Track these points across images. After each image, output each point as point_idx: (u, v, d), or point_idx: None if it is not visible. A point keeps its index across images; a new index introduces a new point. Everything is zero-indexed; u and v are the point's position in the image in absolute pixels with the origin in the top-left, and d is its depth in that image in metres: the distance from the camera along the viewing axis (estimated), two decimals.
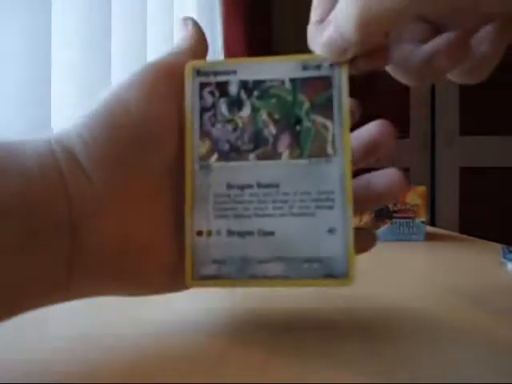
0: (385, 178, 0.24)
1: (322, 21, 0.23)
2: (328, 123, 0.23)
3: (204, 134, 0.23)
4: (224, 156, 0.23)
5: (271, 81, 0.23)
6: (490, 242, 0.60)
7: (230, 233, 0.23)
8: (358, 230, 0.23)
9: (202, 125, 0.23)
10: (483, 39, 0.24)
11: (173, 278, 0.23)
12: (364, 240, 0.24)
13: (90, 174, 0.20)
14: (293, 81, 0.23)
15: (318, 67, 0.23)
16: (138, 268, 0.22)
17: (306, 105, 0.23)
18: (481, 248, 0.58)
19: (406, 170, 1.95)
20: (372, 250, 0.26)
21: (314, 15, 0.24)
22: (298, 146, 0.23)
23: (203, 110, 0.24)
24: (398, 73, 0.25)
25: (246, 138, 0.23)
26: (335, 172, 0.22)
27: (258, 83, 0.23)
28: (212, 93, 0.24)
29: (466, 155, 1.96)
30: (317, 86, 0.23)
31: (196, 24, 0.26)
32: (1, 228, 0.18)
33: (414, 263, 0.48)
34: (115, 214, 0.21)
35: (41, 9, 0.49)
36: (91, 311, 0.28)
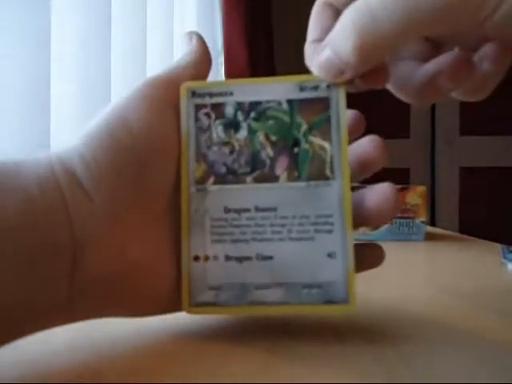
0: (376, 196, 0.22)
1: (319, 40, 0.23)
2: (326, 145, 0.22)
3: (200, 156, 0.23)
4: (221, 179, 0.23)
5: (268, 102, 0.23)
6: (490, 242, 0.60)
7: (228, 258, 0.22)
8: (365, 245, 0.23)
9: (197, 147, 0.23)
10: (486, 55, 0.23)
11: (173, 301, 0.23)
12: (372, 256, 0.23)
13: (91, 195, 0.20)
14: (290, 102, 0.23)
15: (316, 88, 0.23)
16: (138, 291, 0.22)
17: (304, 126, 0.23)
18: (481, 248, 0.58)
19: (405, 170, 1.95)
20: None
21: (311, 34, 0.24)
22: (296, 169, 0.23)
23: (199, 132, 0.23)
24: (399, 91, 0.25)
25: (242, 161, 0.23)
26: (334, 195, 0.22)
27: (254, 104, 0.23)
28: (208, 115, 0.23)
29: (465, 155, 1.96)
30: (314, 107, 0.23)
31: (200, 38, 0.26)
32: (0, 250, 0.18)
33: (414, 263, 0.48)
34: (116, 236, 0.21)
35: (40, 10, 0.49)
36: None
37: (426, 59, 0.24)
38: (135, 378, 0.19)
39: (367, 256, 0.23)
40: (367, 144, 0.23)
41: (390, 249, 0.26)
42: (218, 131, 0.23)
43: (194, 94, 0.23)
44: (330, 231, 0.22)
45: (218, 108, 0.23)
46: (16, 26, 0.46)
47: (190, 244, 0.23)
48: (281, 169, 0.23)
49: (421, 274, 0.42)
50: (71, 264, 0.19)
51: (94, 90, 0.57)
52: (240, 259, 0.22)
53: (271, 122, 0.23)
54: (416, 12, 0.18)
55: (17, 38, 0.46)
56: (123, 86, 0.64)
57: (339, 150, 0.22)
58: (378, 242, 0.24)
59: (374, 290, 0.33)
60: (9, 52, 0.46)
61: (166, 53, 0.82)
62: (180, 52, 0.25)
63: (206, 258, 0.22)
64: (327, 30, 0.23)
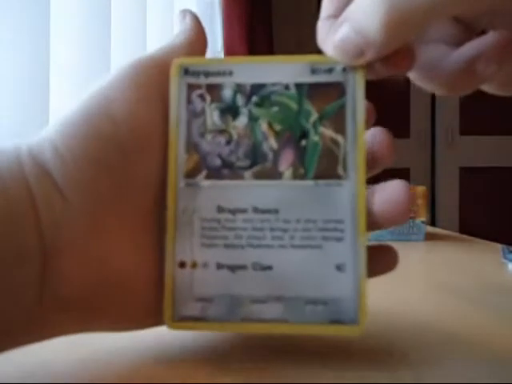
0: (387, 197, 0.19)
1: (335, 16, 0.20)
2: (339, 138, 0.19)
3: (191, 146, 0.20)
4: (214, 173, 0.20)
5: (273, 85, 0.20)
6: (490, 242, 0.60)
7: (219, 266, 0.19)
8: (378, 248, 0.20)
9: (188, 135, 0.20)
10: None
11: (157, 313, 0.19)
12: (384, 260, 0.20)
13: (65, 193, 0.17)
14: (299, 86, 0.20)
15: (329, 71, 0.19)
16: (121, 303, 0.19)
17: (314, 115, 0.19)
18: (481, 248, 0.58)
19: (405, 170, 1.95)
20: None
21: (326, 9, 0.21)
22: (303, 165, 0.19)
23: (191, 116, 0.20)
24: (425, 79, 0.21)
25: (241, 153, 0.20)
26: (346, 197, 0.19)
27: (257, 87, 0.20)
28: (202, 97, 0.20)
29: (465, 155, 1.96)
30: (327, 94, 0.19)
31: (195, 16, 0.23)
32: None
33: (413, 263, 0.48)
34: (95, 241, 0.18)
35: (39, 10, 0.49)
36: None
37: (457, 43, 0.21)
38: (135, 378, 0.18)
39: (379, 260, 0.20)
40: (376, 136, 0.20)
41: None
42: (213, 117, 0.20)
43: (186, 71, 0.20)
44: (339, 239, 0.19)
45: (214, 89, 0.20)
46: (15, 24, 0.46)
47: (176, 248, 0.19)
48: (285, 164, 0.19)
49: (421, 274, 0.42)
50: (40, 273, 0.17)
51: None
52: (233, 268, 0.19)
53: (276, 108, 0.20)
54: None
55: (16, 38, 0.46)
56: None
57: (354, 144, 0.19)
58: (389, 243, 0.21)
59: (374, 290, 0.33)
60: (8, 53, 0.46)
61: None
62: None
63: (194, 265, 0.19)
64: (345, 4, 0.20)
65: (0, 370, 0.19)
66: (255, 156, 0.20)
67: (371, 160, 0.20)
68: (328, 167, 0.19)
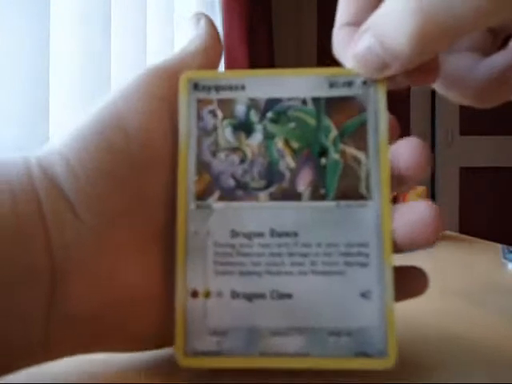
0: (414, 218, 0.18)
1: (353, 23, 0.19)
2: (361, 156, 0.18)
3: (202, 165, 0.19)
4: (227, 195, 0.18)
5: (289, 100, 0.19)
6: (490, 242, 0.60)
7: (235, 295, 0.18)
8: (406, 270, 0.19)
9: (199, 154, 0.19)
10: None
11: (166, 333, 0.18)
12: (413, 283, 0.19)
13: (76, 209, 0.17)
14: (317, 100, 0.19)
15: (349, 84, 0.18)
16: (127, 322, 0.18)
17: (334, 132, 0.18)
18: (481, 248, 0.58)
19: None
20: None
21: (343, 15, 0.19)
22: (323, 185, 0.18)
23: (202, 134, 0.19)
24: (452, 90, 0.20)
25: (255, 173, 0.18)
26: (370, 219, 0.18)
27: (272, 102, 0.19)
28: (213, 113, 0.19)
29: (465, 155, 1.96)
30: (347, 109, 0.18)
31: (210, 20, 0.21)
32: None
33: (413, 263, 0.48)
34: (106, 260, 0.17)
35: (39, 16, 0.49)
36: None
37: (482, 49, 0.20)
38: (135, 378, 0.18)
39: (407, 283, 0.19)
40: (405, 149, 0.18)
41: None
42: (225, 134, 0.19)
43: (196, 86, 0.19)
44: (364, 264, 0.18)
45: (226, 105, 0.19)
46: (15, 27, 0.46)
47: (187, 275, 0.18)
48: (304, 184, 0.18)
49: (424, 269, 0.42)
50: (49, 293, 0.16)
51: (93, 92, 0.57)
52: (250, 297, 0.18)
53: (293, 124, 0.19)
54: None
55: (16, 39, 0.46)
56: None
57: (377, 162, 0.18)
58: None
59: None
60: (8, 54, 0.46)
61: (167, 54, 0.82)
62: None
63: (207, 294, 0.18)
64: (366, 10, 0.18)
65: None
66: (271, 176, 0.18)
67: (397, 177, 0.18)
68: (350, 187, 0.18)
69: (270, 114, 0.19)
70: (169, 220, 0.19)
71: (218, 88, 0.19)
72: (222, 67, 1.13)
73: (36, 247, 0.16)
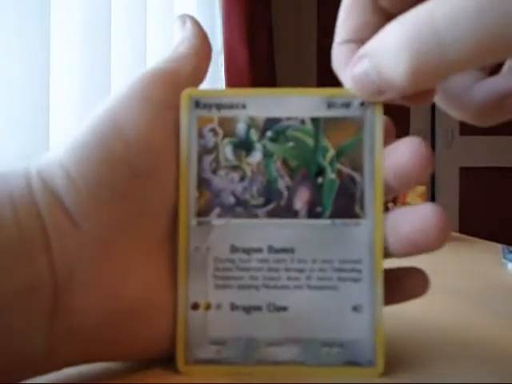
0: (418, 223, 0.18)
1: (352, 41, 0.19)
2: (356, 176, 0.19)
3: (203, 182, 0.19)
4: (227, 211, 0.19)
5: (288, 119, 0.19)
6: (490, 242, 0.60)
7: (234, 307, 0.19)
8: (406, 271, 0.19)
9: (200, 171, 0.19)
10: None
11: (169, 341, 0.19)
12: (413, 284, 0.19)
13: (77, 221, 0.17)
14: (315, 120, 0.19)
15: (347, 105, 0.19)
16: (130, 332, 0.18)
17: (331, 152, 0.19)
18: (481, 248, 0.58)
19: None
20: None
21: (342, 33, 0.20)
22: (319, 203, 0.19)
23: (202, 152, 0.19)
24: (452, 108, 0.20)
25: (255, 190, 0.19)
26: (364, 237, 0.19)
27: (271, 121, 0.19)
28: (214, 131, 0.19)
29: (466, 155, 1.96)
30: (344, 129, 0.19)
31: (195, 21, 0.21)
32: None
33: (413, 263, 0.48)
34: (106, 270, 0.17)
35: (39, 12, 0.49)
36: None
37: (486, 69, 0.20)
38: (134, 377, 0.18)
39: (407, 284, 0.19)
40: (405, 150, 0.18)
41: None
42: (226, 152, 0.19)
43: (197, 104, 0.19)
44: (356, 280, 0.18)
45: (227, 123, 0.19)
46: (15, 27, 0.46)
47: (188, 289, 0.19)
48: (301, 202, 0.19)
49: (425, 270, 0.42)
50: (51, 305, 0.16)
51: (93, 94, 0.57)
52: (248, 309, 0.19)
53: (291, 144, 0.19)
54: (504, 36, 0.14)
55: (16, 40, 0.46)
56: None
57: (372, 182, 0.19)
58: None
59: None
60: (8, 54, 0.46)
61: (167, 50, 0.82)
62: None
63: (208, 307, 0.19)
64: (362, 27, 0.19)
65: None
66: (270, 193, 0.19)
67: (401, 177, 0.18)
68: (345, 206, 0.19)
69: (269, 133, 0.19)
70: (172, 229, 0.19)
71: (218, 106, 0.19)
72: (221, 67, 1.13)
73: (38, 260, 0.16)
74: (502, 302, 0.31)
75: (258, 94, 0.19)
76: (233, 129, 0.19)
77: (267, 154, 0.19)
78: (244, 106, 0.19)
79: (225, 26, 1.14)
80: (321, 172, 0.19)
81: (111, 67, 0.61)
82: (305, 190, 0.19)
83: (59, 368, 0.17)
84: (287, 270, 0.19)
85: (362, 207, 0.19)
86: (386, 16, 0.19)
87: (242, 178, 0.19)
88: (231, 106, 0.19)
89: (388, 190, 0.19)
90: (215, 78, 1.09)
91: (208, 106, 0.19)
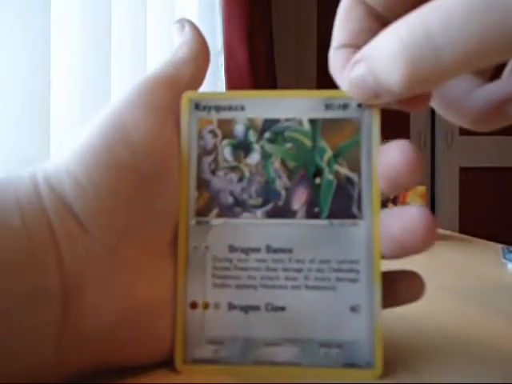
0: (407, 224, 0.18)
1: (349, 45, 0.19)
2: (354, 177, 0.19)
3: (202, 183, 0.19)
4: (226, 211, 0.19)
5: (286, 120, 0.19)
6: (490, 242, 0.60)
7: (231, 306, 0.19)
8: (401, 274, 0.19)
9: (199, 172, 0.19)
10: None
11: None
12: (409, 287, 0.19)
13: (86, 227, 0.17)
14: (313, 122, 0.19)
15: (344, 107, 0.19)
16: (140, 336, 0.18)
17: (329, 153, 0.19)
18: (481, 248, 0.58)
19: None
20: None
21: (339, 37, 0.20)
22: (317, 204, 0.19)
23: (202, 153, 0.19)
24: (448, 112, 0.20)
25: (253, 191, 0.19)
26: (361, 237, 0.19)
27: (270, 123, 0.19)
28: (213, 132, 0.20)
29: (466, 155, 1.96)
30: (342, 130, 0.19)
31: (194, 26, 0.22)
32: None
33: (413, 263, 0.48)
34: (116, 275, 0.17)
35: (40, 13, 0.49)
36: None
37: (485, 73, 0.20)
38: (134, 377, 0.18)
39: (402, 288, 0.19)
40: (396, 153, 0.18)
41: None
42: (224, 153, 0.19)
43: (197, 106, 0.20)
44: (354, 280, 0.18)
45: (226, 125, 0.20)
46: (17, 27, 0.46)
47: (187, 288, 0.19)
48: (298, 203, 0.19)
49: (421, 274, 0.42)
50: (61, 311, 0.16)
51: (94, 96, 0.57)
52: (246, 309, 0.19)
53: (289, 144, 0.19)
54: (496, 38, 0.14)
55: (16, 40, 0.46)
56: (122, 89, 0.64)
57: (369, 183, 0.19)
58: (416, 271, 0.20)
59: None
60: (8, 55, 0.46)
61: (167, 55, 0.82)
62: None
63: (206, 306, 0.19)
64: (358, 32, 0.19)
65: None
66: (268, 194, 0.19)
67: (392, 180, 0.18)
68: (342, 206, 0.19)
69: (267, 134, 0.19)
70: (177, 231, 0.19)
71: (218, 108, 0.20)
72: (221, 67, 1.13)
73: (48, 266, 0.16)
74: (501, 302, 0.31)
75: (257, 96, 0.20)
76: (231, 130, 0.20)
77: (265, 155, 0.19)
78: (242, 108, 0.20)
79: (225, 26, 1.14)
80: (318, 173, 0.19)
81: (111, 68, 0.61)
82: (303, 191, 0.19)
83: (70, 373, 0.17)
84: (285, 269, 0.19)
85: (359, 208, 0.19)
86: (382, 22, 0.19)
87: (241, 179, 0.19)
88: (230, 108, 0.20)
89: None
90: (215, 78, 1.09)
91: (207, 108, 0.20)
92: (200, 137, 0.20)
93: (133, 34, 0.69)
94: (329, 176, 0.19)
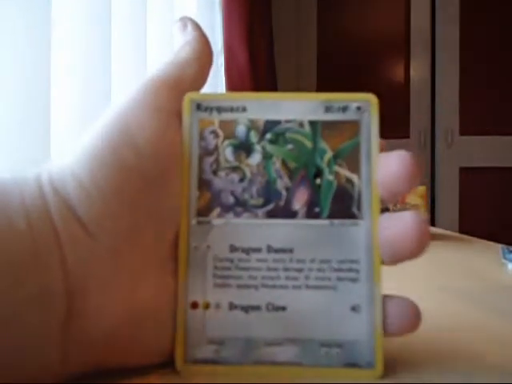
0: (404, 229, 0.18)
1: None
2: (354, 177, 0.19)
3: (203, 183, 0.19)
4: (227, 211, 0.19)
5: (287, 122, 0.20)
6: (490, 242, 0.60)
7: (232, 306, 0.19)
8: (394, 300, 0.19)
9: (201, 172, 0.19)
10: None
11: None
12: (403, 315, 0.18)
13: (90, 229, 0.17)
14: (313, 123, 0.19)
15: (344, 109, 0.19)
16: (143, 338, 0.18)
17: (329, 154, 0.19)
18: (481, 248, 0.58)
19: None
20: None
21: None
22: (318, 204, 0.19)
23: (203, 153, 0.20)
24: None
25: (254, 191, 0.19)
26: (361, 237, 0.19)
27: (271, 124, 0.20)
28: (215, 133, 0.20)
29: (465, 155, 1.96)
30: (342, 132, 0.19)
31: (197, 25, 0.21)
32: None
33: (413, 263, 0.48)
34: (119, 277, 0.17)
35: (40, 12, 0.49)
36: None
37: None
38: (134, 377, 0.18)
39: (396, 313, 0.18)
40: (395, 164, 0.18)
41: None
42: (226, 154, 0.20)
43: (199, 107, 0.20)
44: (354, 280, 0.19)
45: (227, 126, 0.20)
46: (17, 27, 0.46)
47: (188, 288, 0.19)
48: (299, 203, 0.19)
49: (421, 274, 0.42)
50: (65, 312, 0.16)
51: (94, 96, 0.57)
52: (247, 309, 0.19)
53: (290, 146, 0.19)
54: None
55: (16, 40, 0.46)
56: (123, 90, 0.64)
57: (369, 184, 0.19)
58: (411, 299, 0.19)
59: None
60: (8, 56, 0.46)
61: (167, 55, 0.82)
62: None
63: (206, 306, 0.19)
64: None
65: None
66: (269, 194, 0.19)
67: (390, 189, 0.19)
68: (343, 206, 0.19)
69: (268, 135, 0.20)
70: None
71: (219, 109, 0.20)
72: (221, 67, 1.13)
73: (52, 268, 0.16)
74: (501, 302, 0.31)
75: (258, 97, 0.20)
76: (233, 131, 0.20)
77: (266, 156, 0.20)
78: (244, 109, 0.20)
79: (225, 26, 1.14)
80: (319, 173, 0.19)
81: (111, 68, 0.61)
82: (303, 191, 0.19)
83: (75, 373, 0.17)
84: (286, 269, 0.19)
85: (359, 208, 0.19)
86: None
87: (242, 179, 0.19)
88: (231, 109, 0.20)
89: None
90: (215, 79, 1.09)
91: (209, 109, 0.20)
92: (201, 137, 0.20)
93: (133, 33, 0.69)
94: (329, 177, 0.19)
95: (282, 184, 0.19)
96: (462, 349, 0.22)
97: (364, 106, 0.19)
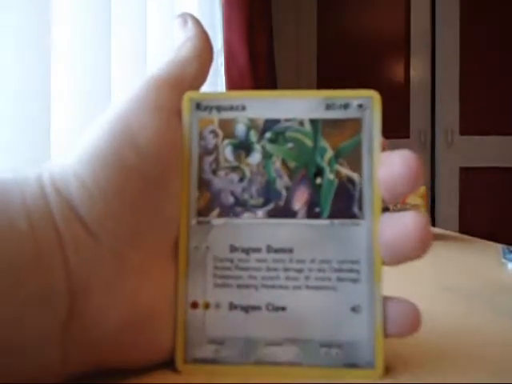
0: (404, 231, 0.18)
1: None
2: (355, 177, 0.19)
3: (203, 183, 0.19)
4: (227, 211, 0.19)
5: (287, 120, 0.19)
6: (490, 242, 0.60)
7: (232, 306, 0.19)
8: (395, 301, 0.19)
9: (200, 172, 0.19)
10: None
11: None
12: (404, 317, 0.18)
13: (92, 230, 0.17)
14: (314, 122, 0.19)
15: (345, 107, 0.19)
16: (145, 338, 0.18)
17: (329, 152, 0.19)
18: (481, 248, 0.58)
19: None
20: None
21: None
22: (318, 204, 0.19)
23: (203, 153, 0.19)
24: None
25: (254, 191, 0.19)
26: (362, 237, 0.19)
27: (271, 123, 0.19)
28: (214, 132, 0.19)
29: (465, 155, 1.96)
30: (343, 130, 0.19)
31: (197, 21, 0.21)
32: None
33: (413, 263, 0.48)
34: (121, 278, 0.17)
35: (40, 12, 0.49)
36: None
37: None
38: (134, 377, 0.18)
39: (397, 316, 0.18)
40: (398, 164, 0.18)
41: None
42: (226, 153, 0.19)
43: (198, 106, 0.20)
44: (355, 280, 0.18)
45: (227, 125, 0.19)
46: (17, 27, 0.46)
47: (188, 288, 0.19)
48: (299, 202, 0.19)
49: (421, 274, 0.42)
50: (66, 312, 0.16)
51: (94, 95, 0.57)
52: (247, 309, 0.19)
53: (290, 144, 0.19)
54: None
55: (16, 40, 0.46)
56: (124, 90, 0.64)
57: (370, 183, 0.19)
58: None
59: None
60: (8, 56, 0.46)
61: (167, 54, 0.82)
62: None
63: (206, 306, 0.19)
64: None
65: None
66: (269, 194, 0.19)
67: (393, 190, 0.18)
68: (343, 206, 0.19)
69: (268, 134, 0.19)
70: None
71: (219, 108, 0.20)
72: (221, 67, 1.13)
73: (54, 269, 0.16)
74: (501, 302, 0.31)
75: (258, 96, 0.20)
76: (233, 130, 0.19)
77: (266, 155, 0.19)
78: (244, 108, 0.20)
79: (225, 26, 1.14)
80: (319, 173, 0.19)
81: (111, 66, 0.61)
82: (303, 191, 0.19)
83: (75, 373, 0.17)
84: (286, 269, 0.19)
85: (360, 208, 0.19)
86: None
87: (242, 179, 0.19)
88: (231, 108, 0.20)
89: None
90: (215, 78, 1.09)
91: (208, 109, 0.20)
92: (201, 137, 0.19)
93: (132, 32, 0.69)
94: (330, 176, 0.19)
95: (282, 184, 0.19)
96: (461, 349, 0.22)
97: (366, 104, 0.19)
